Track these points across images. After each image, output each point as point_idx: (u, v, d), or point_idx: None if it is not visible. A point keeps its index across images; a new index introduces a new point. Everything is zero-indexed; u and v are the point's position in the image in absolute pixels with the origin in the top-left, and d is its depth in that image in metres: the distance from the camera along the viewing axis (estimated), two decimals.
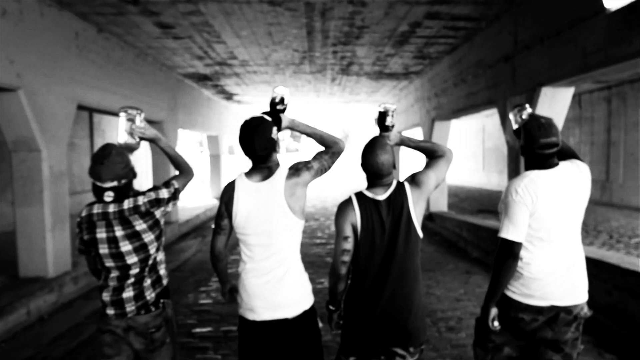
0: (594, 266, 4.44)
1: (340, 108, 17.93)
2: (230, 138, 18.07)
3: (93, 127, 11.88)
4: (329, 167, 2.14)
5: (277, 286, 2.00)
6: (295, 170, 2.05)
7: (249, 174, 2.09)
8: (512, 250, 2.14)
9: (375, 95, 14.07)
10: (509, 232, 2.14)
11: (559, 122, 5.59)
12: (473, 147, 19.29)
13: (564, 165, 2.22)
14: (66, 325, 4.44)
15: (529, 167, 2.24)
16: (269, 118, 2.05)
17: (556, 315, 2.16)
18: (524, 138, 2.21)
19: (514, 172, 6.11)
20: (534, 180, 2.15)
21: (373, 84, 11.95)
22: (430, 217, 9.86)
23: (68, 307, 4.98)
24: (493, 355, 2.29)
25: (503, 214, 2.21)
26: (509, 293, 2.22)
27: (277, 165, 2.08)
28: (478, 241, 7.15)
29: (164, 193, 2.18)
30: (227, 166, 16.64)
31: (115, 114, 8.20)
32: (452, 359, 3.58)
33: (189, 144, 38.13)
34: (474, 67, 7.33)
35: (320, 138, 2.16)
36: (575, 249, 2.23)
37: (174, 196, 2.22)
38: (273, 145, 2.01)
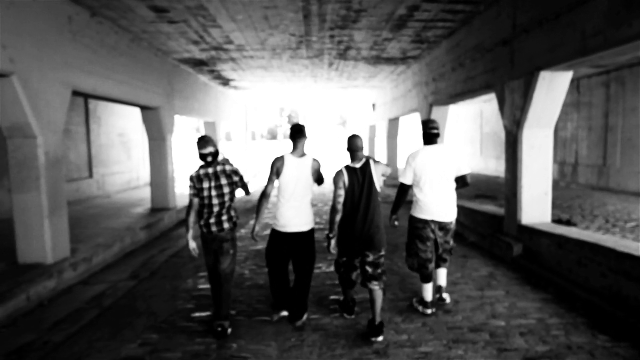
0: (589, 249, 4.48)
1: (338, 93, 17.82)
2: (228, 124, 17.96)
3: (89, 114, 11.78)
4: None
5: (300, 214, 3.87)
6: (316, 162, 3.97)
7: (292, 153, 3.90)
8: (403, 188, 4.23)
9: (373, 80, 13.97)
10: (402, 178, 4.21)
11: (557, 107, 5.58)
12: (471, 132, 19.26)
13: (440, 145, 4.15)
14: (66, 310, 4.47)
15: (424, 144, 4.14)
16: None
17: (435, 226, 4.13)
18: (422, 128, 4.19)
19: (511, 157, 6.11)
20: (419, 152, 4.12)
21: (371, 68, 11.86)
22: None
23: (67, 293, 5.00)
24: (415, 259, 4.21)
25: (403, 168, 4.19)
26: (411, 213, 4.23)
27: (306, 152, 3.96)
28: (475, 225, 7.19)
29: (240, 171, 3.91)
30: (225, 152, 16.54)
31: (111, 100, 8.08)
32: (448, 341, 3.63)
33: (185, 130, 37.87)
34: (472, 51, 7.27)
35: None
36: (446, 193, 4.10)
37: (241, 181, 3.88)
38: (306, 137, 3.96)
